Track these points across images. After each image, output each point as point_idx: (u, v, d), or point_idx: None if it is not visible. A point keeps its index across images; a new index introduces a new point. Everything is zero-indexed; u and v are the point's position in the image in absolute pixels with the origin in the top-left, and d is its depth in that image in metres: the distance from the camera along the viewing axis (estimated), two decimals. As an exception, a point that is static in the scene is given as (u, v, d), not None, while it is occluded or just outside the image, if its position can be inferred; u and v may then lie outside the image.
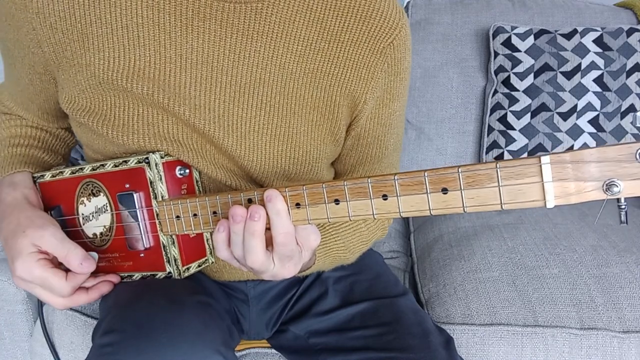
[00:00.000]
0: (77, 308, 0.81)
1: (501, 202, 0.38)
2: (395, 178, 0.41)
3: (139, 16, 0.55)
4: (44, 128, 0.72)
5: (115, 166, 0.60)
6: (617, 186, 0.34)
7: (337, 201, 0.45)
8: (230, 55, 0.57)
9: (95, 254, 0.62)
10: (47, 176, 0.66)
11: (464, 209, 0.39)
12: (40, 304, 0.80)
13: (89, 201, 0.63)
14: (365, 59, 0.61)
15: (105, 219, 0.62)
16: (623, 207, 0.37)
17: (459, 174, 0.39)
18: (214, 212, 0.53)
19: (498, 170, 0.37)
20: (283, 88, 0.59)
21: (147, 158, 0.57)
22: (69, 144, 0.77)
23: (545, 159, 0.36)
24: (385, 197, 0.42)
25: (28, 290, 0.60)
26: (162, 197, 0.58)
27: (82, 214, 0.64)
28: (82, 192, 0.64)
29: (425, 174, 0.40)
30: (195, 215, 0.54)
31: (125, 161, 0.59)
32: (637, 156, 0.33)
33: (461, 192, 0.39)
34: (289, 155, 0.62)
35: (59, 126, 0.73)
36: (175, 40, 0.56)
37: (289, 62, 0.59)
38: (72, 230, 0.66)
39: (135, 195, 0.58)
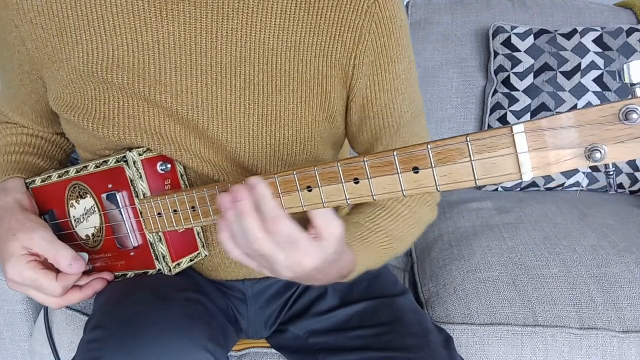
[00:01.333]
0: (78, 308, 0.81)
1: (475, 178, 0.35)
2: (365, 160, 0.40)
3: (114, 5, 0.54)
4: (39, 135, 0.72)
5: (97, 167, 0.60)
6: (600, 152, 0.31)
7: (309, 188, 0.43)
8: (207, 36, 0.55)
9: (85, 255, 0.63)
10: (38, 181, 0.67)
11: (437, 188, 0.37)
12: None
13: (78, 203, 0.63)
14: (349, 23, 0.57)
15: (95, 220, 0.63)
16: (611, 173, 0.34)
17: (428, 151, 0.37)
18: (193, 207, 0.52)
19: (469, 144, 0.35)
20: (266, 65, 0.57)
21: (124, 157, 0.57)
22: (66, 149, 0.77)
23: (519, 127, 0.33)
24: (356, 180, 0.41)
25: (22, 292, 0.61)
26: (144, 194, 0.57)
27: (74, 217, 0.65)
28: (70, 195, 0.64)
29: (395, 154, 0.38)
30: (175, 211, 0.54)
31: (106, 161, 0.59)
32: (621, 116, 0.30)
33: (433, 169, 0.37)
34: (278, 136, 0.60)
35: (54, 131, 0.73)
36: (151, 27, 0.55)
37: (268, 38, 0.56)
38: (67, 233, 0.66)
39: (118, 195, 0.58)
